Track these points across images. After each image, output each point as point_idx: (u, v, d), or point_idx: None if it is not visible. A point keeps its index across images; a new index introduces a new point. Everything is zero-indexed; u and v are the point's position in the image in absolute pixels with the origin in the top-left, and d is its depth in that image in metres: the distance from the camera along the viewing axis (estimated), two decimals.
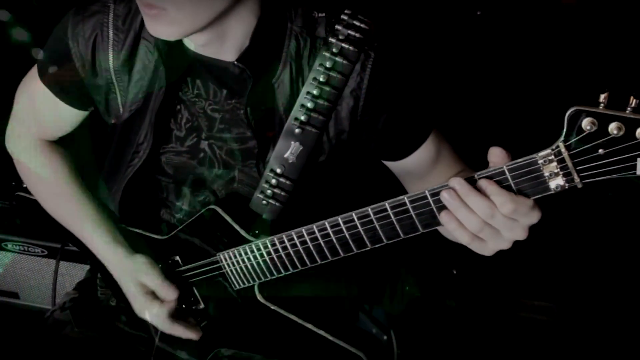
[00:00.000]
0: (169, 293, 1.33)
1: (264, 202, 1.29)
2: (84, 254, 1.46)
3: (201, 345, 1.41)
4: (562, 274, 2.41)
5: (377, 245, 1.12)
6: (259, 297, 1.30)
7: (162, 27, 1.08)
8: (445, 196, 1.00)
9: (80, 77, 1.30)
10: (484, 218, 0.98)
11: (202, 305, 1.40)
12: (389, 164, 1.36)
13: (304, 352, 1.33)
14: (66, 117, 1.40)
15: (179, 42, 1.24)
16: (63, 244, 1.91)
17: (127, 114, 1.31)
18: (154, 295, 1.35)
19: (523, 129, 2.24)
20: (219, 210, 1.29)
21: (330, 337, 1.29)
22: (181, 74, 1.27)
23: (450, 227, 1.01)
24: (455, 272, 2.31)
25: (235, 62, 1.21)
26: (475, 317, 2.34)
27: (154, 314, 1.33)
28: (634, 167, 0.92)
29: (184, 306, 1.41)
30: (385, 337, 1.81)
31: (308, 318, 1.30)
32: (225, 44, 1.19)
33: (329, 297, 1.44)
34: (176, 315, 1.35)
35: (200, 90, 1.28)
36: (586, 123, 0.92)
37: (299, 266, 1.22)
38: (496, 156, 0.98)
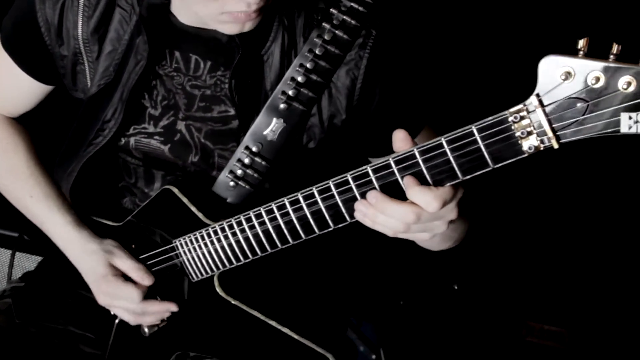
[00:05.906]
0: (145, 277, 1.25)
1: (232, 183, 1.19)
2: (38, 245, 1.37)
3: (159, 350, 1.29)
4: (574, 295, 2.25)
5: (340, 225, 1.02)
6: (219, 290, 1.19)
7: (252, 21, 1.04)
8: (360, 208, 0.95)
9: (45, 44, 1.22)
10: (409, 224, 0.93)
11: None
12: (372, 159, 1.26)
13: (269, 353, 1.22)
14: (28, 91, 1.33)
15: (165, 13, 1.16)
16: (20, 233, 1.82)
17: (95, 89, 1.22)
18: (125, 277, 1.26)
19: (496, 87, 2.07)
20: (175, 191, 1.20)
21: (295, 336, 1.18)
22: (160, 46, 1.18)
23: (367, 224, 0.97)
24: (456, 287, 2.17)
25: None
26: (477, 340, 2.19)
27: (127, 296, 1.23)
28: (618, 122, 0.81)
29: None
30: (373, 357, 1.68)
31: (273, 315, 1.18)
32: None
33: (298, 293, 1.33)
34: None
35: (180, 64, 1.19)
36: (562, 73, 0.82)
37: (259, 252, 1.11)
38: (400, 140, 0.94)
